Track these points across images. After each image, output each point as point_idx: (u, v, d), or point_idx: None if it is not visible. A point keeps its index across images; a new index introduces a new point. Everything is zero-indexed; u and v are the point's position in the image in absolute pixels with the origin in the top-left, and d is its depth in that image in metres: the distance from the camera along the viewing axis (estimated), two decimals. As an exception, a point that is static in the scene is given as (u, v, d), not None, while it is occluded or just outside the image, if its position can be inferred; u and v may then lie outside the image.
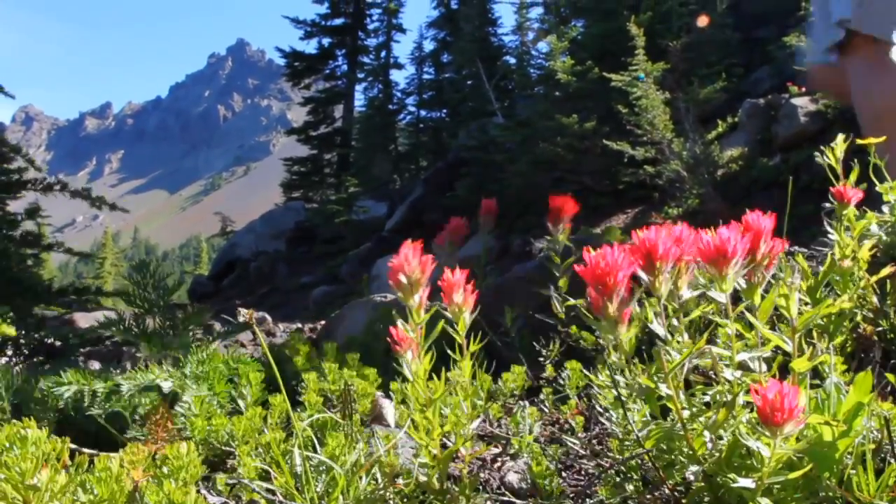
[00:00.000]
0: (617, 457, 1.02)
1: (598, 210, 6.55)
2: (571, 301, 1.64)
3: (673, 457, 0.91)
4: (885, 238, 1.36)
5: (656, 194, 5.92)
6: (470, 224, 2.77)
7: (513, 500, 1.00)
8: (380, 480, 0.94)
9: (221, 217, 23.37)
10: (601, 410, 1.24)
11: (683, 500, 0.89)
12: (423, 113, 16.53)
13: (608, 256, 0.89)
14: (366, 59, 15.97)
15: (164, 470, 0.71)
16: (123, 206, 6.03)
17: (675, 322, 0.97)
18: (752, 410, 0.86)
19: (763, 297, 0.92)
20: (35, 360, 2.04)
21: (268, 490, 0.86)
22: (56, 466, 0.59)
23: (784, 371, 0.94)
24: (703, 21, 6.62)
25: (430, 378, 1.07)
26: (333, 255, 11.45)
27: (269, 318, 3.89)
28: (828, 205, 1.44)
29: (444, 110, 15.84)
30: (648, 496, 0.93)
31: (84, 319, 5.93)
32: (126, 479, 0.63)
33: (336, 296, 8.37)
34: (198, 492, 0.70)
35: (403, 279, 1.02)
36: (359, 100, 15.95)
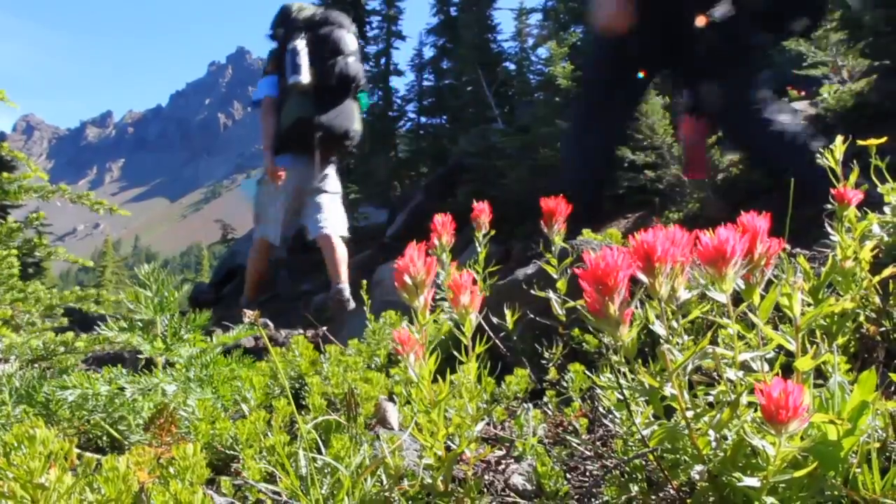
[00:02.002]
0: (621, 457, 1.02)
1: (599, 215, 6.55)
2: (572, 303, 1.64)
3: (677, 457, 0.91)
4: (886, 239, 1.36)
5: (656, 199, 5.93)
6: (470, 229, 2.77)
7: (518, 500, 1.00)
8: (385, 482, 0.94)
9: (222, 225, 23.34)
10: (605, 412, 1.24)
11: (688, 500, 0.89)
12: (423, 119, 16.54)
13: (608, 257, 0.89)
14: (365, 67, 16.01)
15: (171, 471, 0.71)
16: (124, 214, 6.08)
17: (675, 323, 0.98)
18: (756, 410, 0.86)
19: (762, 297, 0.93)
20: (38, 365, 2.05)
21: (273, 492, 0.86)
22: (64, 466, 0.59)
23: (787, 371, 0.95)
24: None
25: (435, 380, 1.07)
26: (334, 261, 11.43)
27: (270, 324, 3.89)
28: (829, 206, 1.44)
29: (445, 117, 15.85)
30: (653, 496, 0.93)
31: (86, 326, 5.93)
32: (133, 478, 0.63)
33: (337, 302, 8.35)
34: (204, 493, 0.70)
35: (409, 280, 1.03)
36: (359, 107, 15.97)
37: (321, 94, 4.09)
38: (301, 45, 4.06)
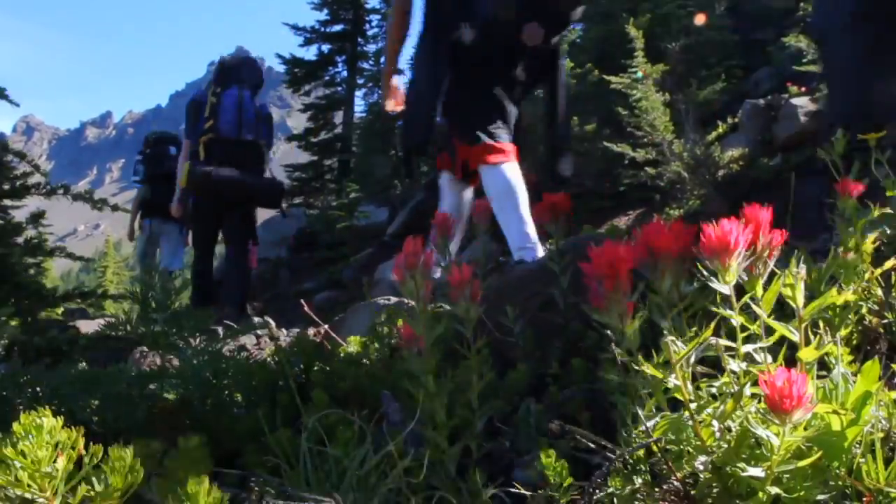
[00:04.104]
0: (625, 449, 1.02)
1: (600, 212, 6.55)
2: (573, 298, 1.64)
3: (681, 448, 0.91)
4: (888, 231, 1.36)
5: (657, 196, 5.93)
6: (470, 228, 2.78)
7: (522, 492, 1.01)
8: (389, 475, 0.94)
9: (223, 225, 23.32)
10: (607, 405, 1.24)
11: (692, 492, 0.89)
12: (423, 118, 16.49)
13: (611, 249, 0.89)
14: (366, 65, 15.97)
15: (176, 462, 0.71)
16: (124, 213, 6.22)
17: (678, 315, 0.98)
18: (759, 401, 0.86)
19: (765, 289, 0.93)
20: (40, 362, 2.05)
21: (279, 483, 0.87)
22: (71, 455, 0.59)
23: (790, 362, 0.95)
24: (700, 19, 6.63)
25: (437, 375, 1.07)
26: (335, 260, 11.43)
27: (272, 322, 3.89)
28: (830, 200, 1.44)
29: (445, 115, 15.81)
30: (657, 488, 0.93)
31: (87, 326, 5.93)
32: (139, 469, 0.63)
33: (338, 301, 8.36)
34: (210, 484, 0.70)
35: (408, 275, 1.03)
36: (359, 105, 15.93)
37: (158, 183, 7.00)
38: (141, 157, 7.29)
